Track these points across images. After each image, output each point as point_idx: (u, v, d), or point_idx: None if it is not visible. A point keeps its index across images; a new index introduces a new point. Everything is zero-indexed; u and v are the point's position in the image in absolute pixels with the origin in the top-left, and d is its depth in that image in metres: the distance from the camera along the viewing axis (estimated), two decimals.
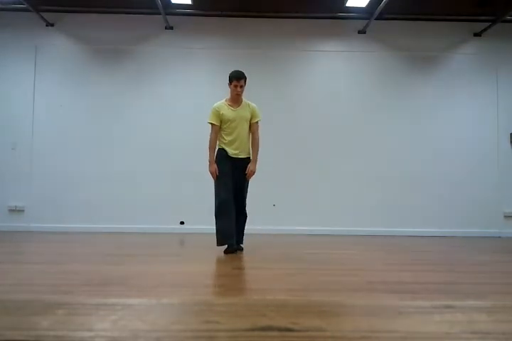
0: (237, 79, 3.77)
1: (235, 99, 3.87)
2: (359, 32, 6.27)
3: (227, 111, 3.83)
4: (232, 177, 3.77)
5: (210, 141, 3.83)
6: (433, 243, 4.95)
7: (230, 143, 3.80)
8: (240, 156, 3.82)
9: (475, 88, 6.26)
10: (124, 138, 6.07)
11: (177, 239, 5.06)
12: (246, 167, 3.83)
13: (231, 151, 3.79)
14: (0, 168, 5.99)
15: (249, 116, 3.89)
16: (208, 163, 3.79)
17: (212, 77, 6.01)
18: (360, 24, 6.20)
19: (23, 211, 5.96)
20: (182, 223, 5.96)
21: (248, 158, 3.87)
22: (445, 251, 4.17)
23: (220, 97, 4.00)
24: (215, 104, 3.88)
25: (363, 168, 6.10)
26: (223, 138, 3.82)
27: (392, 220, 6.03)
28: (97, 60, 6.16)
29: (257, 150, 3.91)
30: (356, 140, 6.15)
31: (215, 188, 3.74)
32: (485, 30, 6.19)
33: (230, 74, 3.82)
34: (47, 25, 6.14)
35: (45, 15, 6.06)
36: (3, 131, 6.03)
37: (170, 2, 5.78)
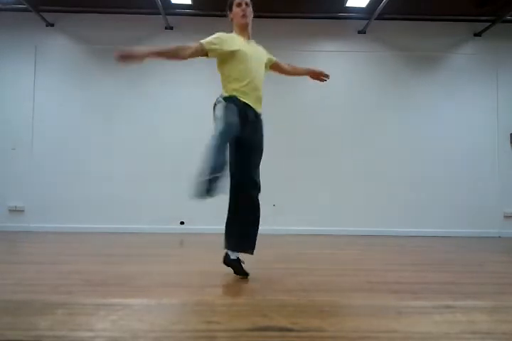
0: None
1: (243, 28, 2.75)
2: (359, 32, 6.27)
3: (242, 44, 2.65)
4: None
5: (174, 47, 2.57)
6: (433, 243, 4.95)
7: (246, 92, 2.56)
8: (259, 110, 2.63)
9: (475, 88, 6.26)
10: (124, 138, 6.06)
11: (177, 239, 5.05)
12: (261, 127, 2.66)
13: (252, 103, 2.57)
14: (0, 168, 5.99)
15: (264, 58, 2.80)
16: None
17: (212, 77, 5.95)
18: (360, 24, 6.19)
19: (23, 211, 5.95)
20: (182, 223, 5.96)
21: (260, 116, 2.67)
22: (445, 251, 4.17)
23: None
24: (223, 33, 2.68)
25: (363, 167, 6.10)
26: (234, 83, 2.58)
27: (392, 220, 6.02)
28: (97, 60, 6.16)
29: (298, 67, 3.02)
30: (356, 140, 6.15)
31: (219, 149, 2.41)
32: (485, 30, 6.19)
33: None
34: (47, 25, 6.14)
35: (45, 15, 6.05)
36: (3, 131, 6.03)
37: (170, 2, 5.78)
